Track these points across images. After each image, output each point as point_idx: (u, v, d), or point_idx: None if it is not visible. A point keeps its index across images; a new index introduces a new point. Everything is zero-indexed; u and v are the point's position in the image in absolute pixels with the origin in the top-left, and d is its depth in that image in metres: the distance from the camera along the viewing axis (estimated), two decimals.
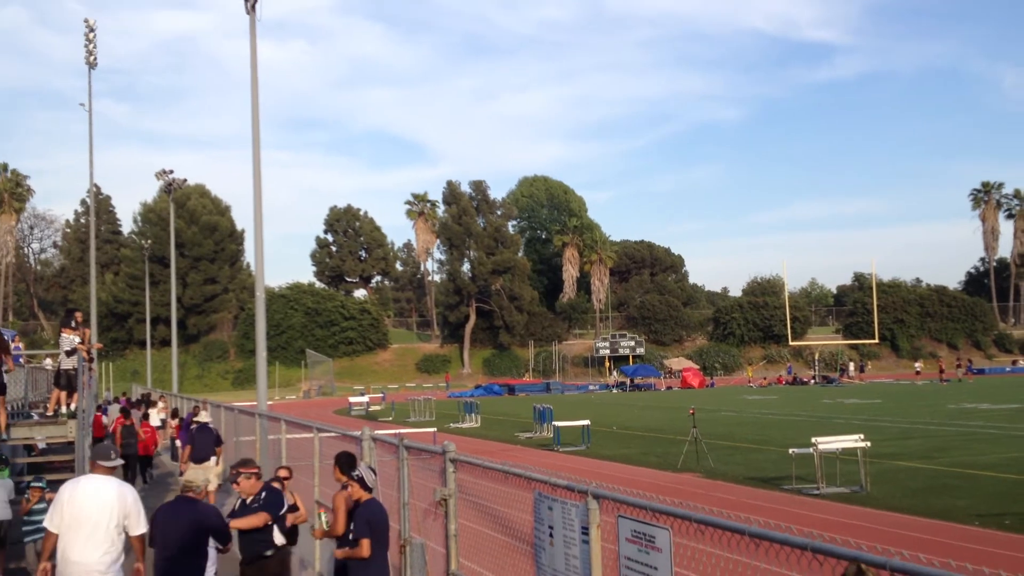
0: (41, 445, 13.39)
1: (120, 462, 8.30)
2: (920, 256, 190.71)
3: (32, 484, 12.56)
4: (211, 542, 8.19)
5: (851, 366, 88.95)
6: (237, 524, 8.86)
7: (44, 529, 8.47)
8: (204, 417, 19.48)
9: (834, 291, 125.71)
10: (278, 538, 9.01)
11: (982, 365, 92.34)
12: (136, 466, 22.59)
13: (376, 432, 10.75)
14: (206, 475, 9.30)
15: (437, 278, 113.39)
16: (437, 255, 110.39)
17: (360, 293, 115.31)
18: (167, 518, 8.02)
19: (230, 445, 20.26)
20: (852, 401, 48.21)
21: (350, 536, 8.02)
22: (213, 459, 18.23)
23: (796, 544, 4.72)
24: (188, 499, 8.17)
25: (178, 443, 25.71)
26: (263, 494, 9.18)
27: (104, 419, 25.49)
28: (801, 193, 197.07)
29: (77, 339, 14.99)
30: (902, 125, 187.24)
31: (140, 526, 7.86)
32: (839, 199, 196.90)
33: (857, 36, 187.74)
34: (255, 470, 9.36)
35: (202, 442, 18.42)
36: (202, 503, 8.32)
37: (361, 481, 8.14)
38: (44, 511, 11.39)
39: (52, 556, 7.79)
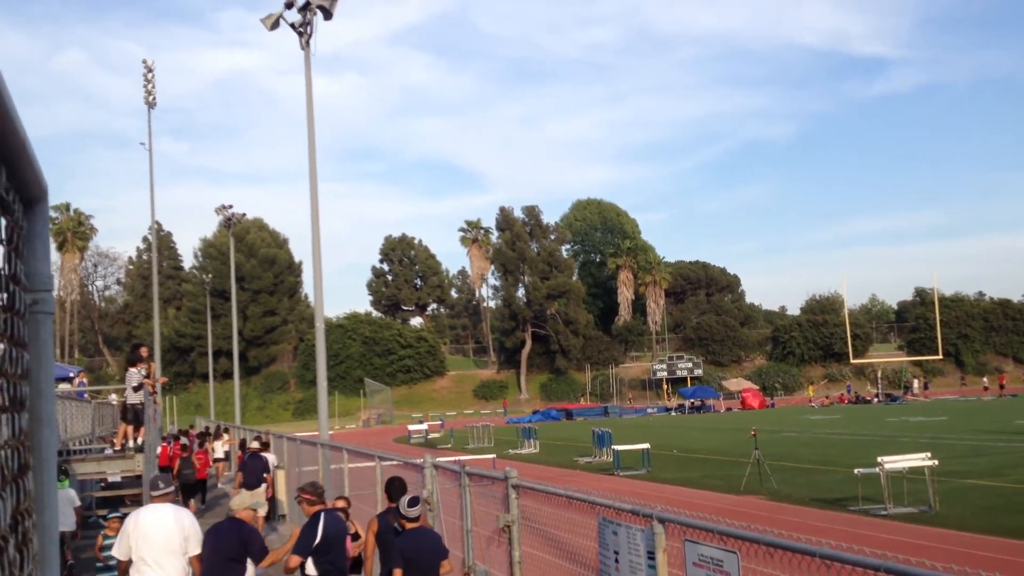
0: (114, 479, 13.68)
1: (171, 489, 9.03)
2: (982, 269, 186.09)
3: (110, 516, 12.82)
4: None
5: (915, 383, 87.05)
6: (264, 563, 8.84)
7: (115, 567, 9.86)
8: (255, 446, 20.63)
9: (895, 307, 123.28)
10: (309, 568, 8.79)
11: None
12: (193, 491, 23.99)
13: (437, 459, 10.79)
14: (254, 499, 9.54)
15: (492, 304, 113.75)
16: (492, 281, 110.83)
17: (416, 321, 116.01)
18: (215, 537, 8.63)
19: (292, 475, 20.46)
20: (917, 419, 47.14)
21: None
22: (263, 486, 18.94)
23: (869, 565, 4.64)
24: (234, 520, 8.78)
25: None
26: (307, 523, 9.08)
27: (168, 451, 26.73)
28: (858, 209, 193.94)
29: (144, 373, 15.30)
30: (959, 136, 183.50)
31: (197, 547, 8.59)
32: (897, 214, 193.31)
33: (909, 48, 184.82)
34: (308, 495, 9.37)
35: (252, 469, 19.52)
36: (247, 525, 8.71)
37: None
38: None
39: None
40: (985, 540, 14.36)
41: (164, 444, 26.28)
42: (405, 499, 8.48)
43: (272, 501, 19.92)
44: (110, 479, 14.21)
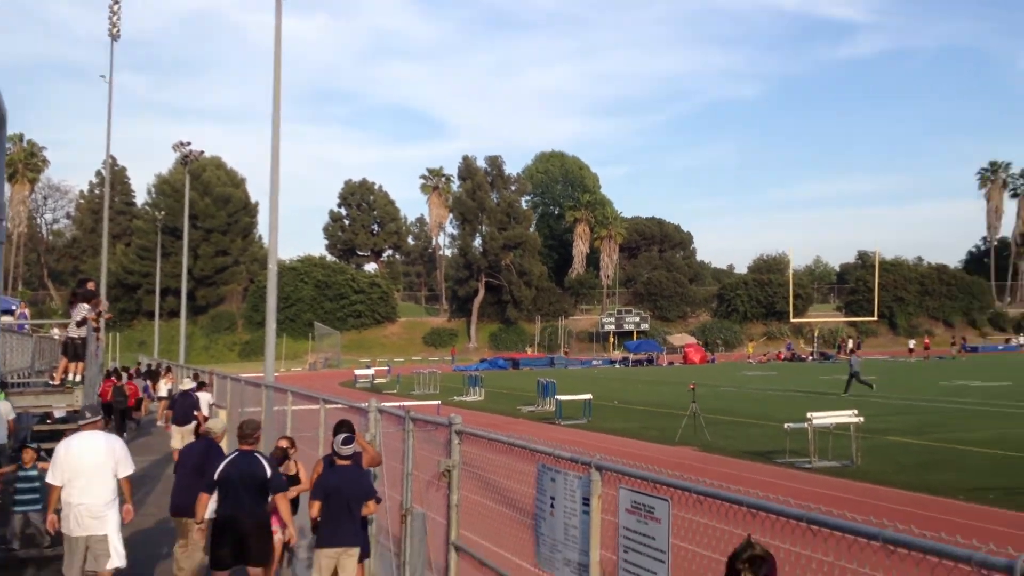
0: (59, 414, 13.56)
1: (97, 418, 9.42)
2: (924, 235, 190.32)
3: (27, 445, 12.71)
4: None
5: (850, 343, 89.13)
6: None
7: (35, 500, 11.22)
8: (187, 385, 22.03)
9: (837, 269, 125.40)
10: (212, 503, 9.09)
11: (976, 343, 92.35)
12: (123, 417, 26.70)
13: (382, 404, 10.84)
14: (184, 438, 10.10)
15: (448, 252, 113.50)
16: (449, 230, 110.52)
17: (371, 267, 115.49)
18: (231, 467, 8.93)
19: (235, 415, 20.41)
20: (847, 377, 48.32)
21: None
22: (194, 423, 19.80)
23: (792, 516, 4.79)
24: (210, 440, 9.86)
25: None
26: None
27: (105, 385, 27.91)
28: (812, 171, 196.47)
29: (99, 311, 15.10)
30: (916, 104, 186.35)
31: (127, 469, 9.13)
32: (849, 177, 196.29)
33: (879, 15, 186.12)
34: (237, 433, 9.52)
35: (182, 406, 20.81)
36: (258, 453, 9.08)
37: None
38: (34, 479, 11.60)
39: (56, 507, 9.07)
40: (904, 495, 14.87)
41: (105, 380, 26.98)
42: (340, 437, 8.65)
43: None
44: (56, 414, 14.07)
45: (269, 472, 8.85)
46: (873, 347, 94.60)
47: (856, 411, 19.13)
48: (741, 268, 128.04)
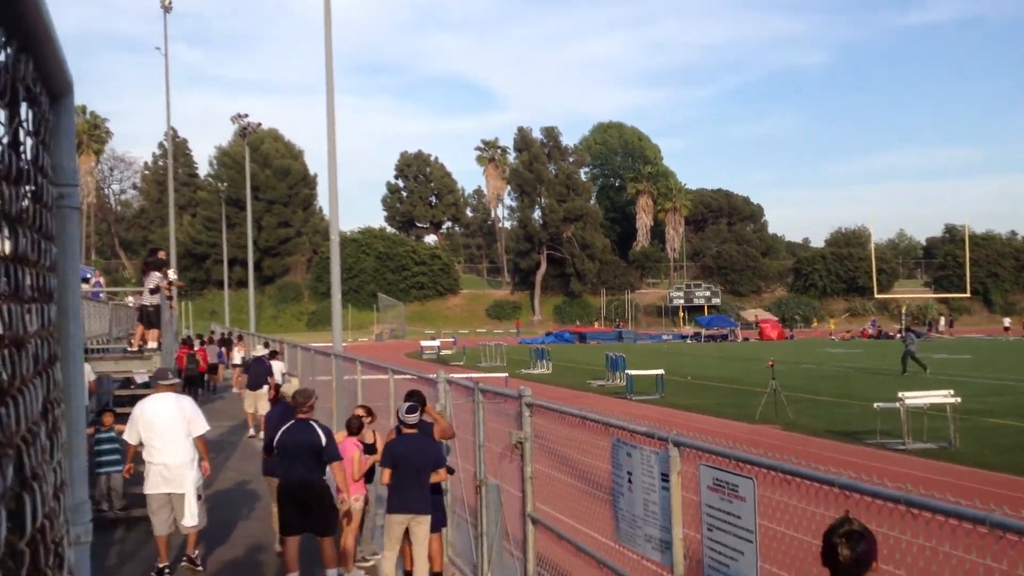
0: (141, 379, 13.90)
1: (176, 380, 10.31)
2: (1014, 207, 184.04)
3: (107, 408, 13.00)
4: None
5: (940, 320, 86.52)
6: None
7: (117, 461, 11.87)
8: (260, 351, 23.05)
9: (923, 243, 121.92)
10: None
11: None
12: (194, 383, 28.70)
13: (451, 375, 10.82)
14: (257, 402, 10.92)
15: (508, 225, 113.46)
16: (508, 202, 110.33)
17: (430, 239, 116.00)
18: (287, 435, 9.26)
19: (306, 384, 20.67)
20: (940, 356, 46.88)
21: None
22: (265, 387, 20.57)
23: (889, 497, 4.59)
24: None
25: None
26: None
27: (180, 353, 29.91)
28: (889, 142, 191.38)
29: (170, 280, 15.40)
30: (996, 71, 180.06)
31: (200, 428, 9.70)
32: (930, 148, 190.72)
33: None
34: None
35: (256, 371, 21.50)
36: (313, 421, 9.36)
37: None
38: (114, 440, 11.92)
39: (133, 460, 10.07)
40: (1003, 478, 14.36)
41: (180, 347, 29.04)
42: (404, 406, 8.73)
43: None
44: (138, 379, 14.44)
45: (324, 440, 9.01)
46: (967, 325, 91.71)
47: (952, 391, 18.41)
48: (817, 242, 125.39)
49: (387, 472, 8.47)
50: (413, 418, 8.63)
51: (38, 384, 1.49)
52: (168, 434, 9.44)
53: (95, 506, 12.52)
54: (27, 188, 1.51)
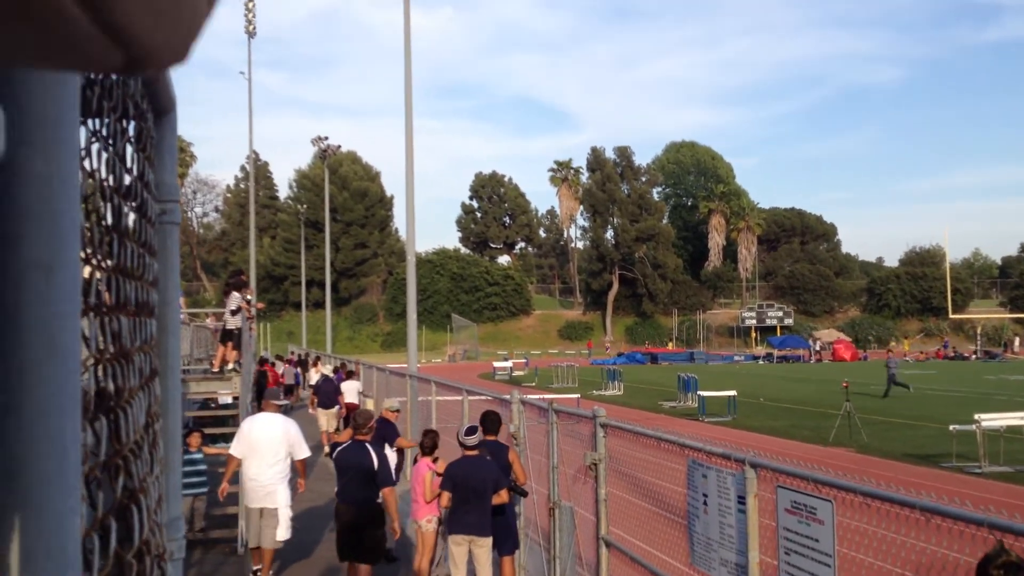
0: (224, 399, 14.24)
1: (285, 402, 10.76)
2: None
3: (193, 429, 13.28)
4: None
5: (1016, 341, 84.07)
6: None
7: (202, 483, 12.15)
8: (326, 370, 24.72)
9: (999, 262, 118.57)
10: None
11: None
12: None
13: (525, 396, 10.87)
14: (397, 403, 13.12)
15: (580, 245, 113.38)
16: (580, 222, 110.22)
17: (504, 259, 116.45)
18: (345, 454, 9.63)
19: (381, 404, 20.95)
20: (1016, 378, 45.62)
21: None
22: (336, 407, 21.56)
23: (973, 520, 4.49)
24: (381, 418, 11.90)
25: None
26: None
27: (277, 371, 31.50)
28: (964, 159, 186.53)
29: (248, 299, 15.78)
30: None
31: (302, 452, 10.21)
32: (1006, 165, 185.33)
33: None
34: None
35: (325, 391, 22.38)
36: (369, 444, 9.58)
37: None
38: (198, 462, 12.20)
39: (232, 479, 10.47)
40: None
41: (269, 366, 30.67)
42: (464, 427, 8.81)
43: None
44: (221, 400, 14.80)
45: (376, 463, 9.07)
46: None
47: None
48: (891, 261, 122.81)
49: (446, 495, 8.57)
50: (473, 440, 8.68)
51: (142, 397, 1.55)
52: (269, 452, 10.00)
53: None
54: (132, 203, 1.58)
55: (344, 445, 9.43)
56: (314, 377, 31.92)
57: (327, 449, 21.16)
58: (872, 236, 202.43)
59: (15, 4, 0.41)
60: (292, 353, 47.65)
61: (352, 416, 9.94)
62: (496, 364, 56.11)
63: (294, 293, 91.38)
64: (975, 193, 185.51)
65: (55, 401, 0.79)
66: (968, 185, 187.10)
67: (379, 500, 9.28)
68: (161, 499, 1.77)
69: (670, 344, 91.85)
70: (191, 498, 12.69)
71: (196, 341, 23.20)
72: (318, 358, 37.97)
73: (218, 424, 15.23)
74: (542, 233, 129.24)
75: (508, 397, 10.72)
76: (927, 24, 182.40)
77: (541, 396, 14.21)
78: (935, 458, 18.64)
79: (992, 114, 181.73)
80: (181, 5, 0.46)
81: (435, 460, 9.83)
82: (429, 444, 10.05)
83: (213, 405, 15.55)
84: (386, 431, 12.32)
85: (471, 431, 8.79)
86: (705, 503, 6.75)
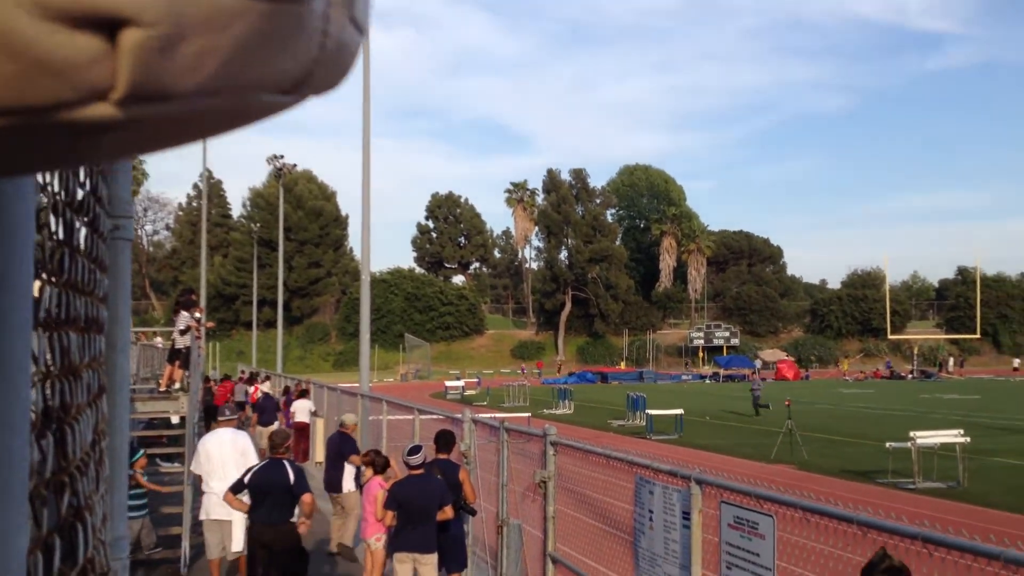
0: (175, 420, 14.04)
1: (234, 416, 11.30)
2: None
3: (136, 457, 13.06)
4: None
5: (951, 361, 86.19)
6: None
7: (145, 507, 12.24)
8: (267, 388, 25.53)
9: (936, 285, 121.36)
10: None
11: None
12: (212, 415, 32.06)
13: (477, 415, 10.92)
14: (354, 417, 13.72)
15: (534, 265, 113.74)
16: (535, 242, 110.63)
17: (458, 279, 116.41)
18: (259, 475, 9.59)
19: (332, 424, 20.81)
20: (951, 397, 46.78)
21: None
22: (276, 423, 22.13)
23: (906, 534, 4.65)
24: (342, 433, 13.02)
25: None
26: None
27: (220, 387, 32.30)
28: (904, 185, 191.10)
29: (198, 317, 15.60)
30: (1009, 117, 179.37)
31: (251, 461, 10.34)
32: (943, 191, 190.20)
33: (970, 25, 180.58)
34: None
35: (264, 407, 23.29)
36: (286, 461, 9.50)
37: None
38: (138, 492, 12.04)
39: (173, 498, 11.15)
40: (1011, 517, 14.37)
41: (219, 385, 32.16)
42: (407, 447, 8.90)
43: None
44: (173, 420, 14.61)
45: (293, 478, 9.07)
46: (976, 366, 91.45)
47: (961, 431, 18.50)
48: (834, 283, 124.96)
49: (390, 515, 8.62)
50: (415, 460, 8.74)
51: (89, 415, 1.55)
52: (222, 466, 10.42)
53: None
54: (84, 217, 1.58)
55: (259, 465, 9.38)
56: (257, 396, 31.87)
57: None
58: (816, 259, 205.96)
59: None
60: (242, 371, 47.24)
61: (270, 436, 9.93)
62: (448, 383, 55.97)
63: (245, 312, 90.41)
64: (913, 218, 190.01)
65: (3, 417, 0.79)
66: (907, 210, 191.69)
67: (295, 519, 9.27)
68: (106, 518, 1.76)
69: (622, 363, 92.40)
70: (134, 521, 12.54)
71: (144, 360, 22.89)
72: (268, 377, 37.61)
73: (170, 444, 15.08)
74: (497, 254, 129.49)
75: (460, 416, 10.77)
76: (872, 54, 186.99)
77: (492, 415, 14.27)
78: (872, 474, 19.12)
79: (930, 141, 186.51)
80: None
81: (387, 479, 9.84)
82: (381, 463, 10.06)
83: (156, 422, 15.37)
84: (344, 446, 12.77)
85: (415, 451, 8.85)
86: (651, 519, 6.86)
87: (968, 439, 18.25)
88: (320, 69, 0.54)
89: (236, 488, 9.35)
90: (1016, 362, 78.69)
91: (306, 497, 9.08)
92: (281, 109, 0.56)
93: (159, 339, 26.01)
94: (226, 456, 10.49)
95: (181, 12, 0.42)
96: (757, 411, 35.94)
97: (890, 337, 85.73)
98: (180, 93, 0.45)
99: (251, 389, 35.60)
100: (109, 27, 0.42)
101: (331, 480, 12.90)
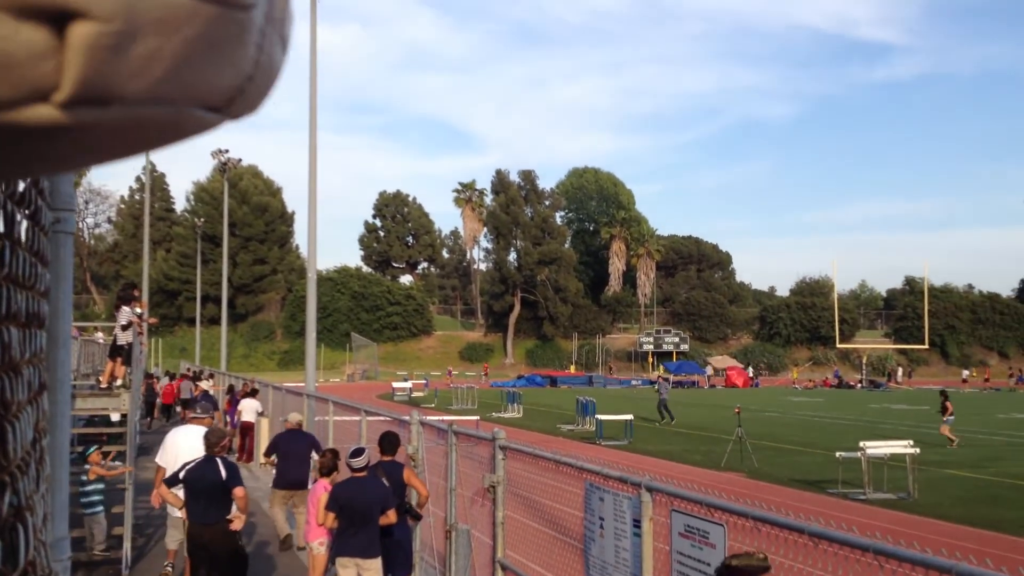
0: (115, 417, 13.67)
1: (205, 415, 11.62)
2: (973, 262, 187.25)
3: (91, 451, 12.78)
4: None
5: (899, 371, 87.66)
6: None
7: (101, 503, 12.36)
8: (206, 386, 26.28)
9: (884, 294, 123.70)
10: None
11: None
12: (152, 410, 33.71)
13: (425, 417, 10.80)
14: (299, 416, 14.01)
15: (483, 267, 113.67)
16: (484, 244, 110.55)
17: (406, 279, 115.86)
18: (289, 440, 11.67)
19: (277, 424, 20.52)
20: (900, 407, 47.56)
21: None
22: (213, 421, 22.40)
23: (857, 545, 4.64)
24: (296, 431, 13.27)
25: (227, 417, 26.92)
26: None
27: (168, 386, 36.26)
28: (853, 194, 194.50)
29: (138, 312, 15.26)
30: (958, 127, 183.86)
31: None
32: (892, 201, 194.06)
33: (916, 36, 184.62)
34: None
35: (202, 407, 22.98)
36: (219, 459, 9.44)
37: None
38: (92, 482, 11.83)
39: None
40: (960, 529, 14.52)
41: (169, 382, 36.49)
42: (351, 450, 8.81)
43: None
44: (113, 417, 14.24)
45: (225, 474, 9.03)
46: (924, 376, 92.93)
47: (911, 442, 18.72)
48: (783, 290, 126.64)
49: (331, 516, 8.49)
50: (361, 462, 8.64)
51: (30, 412, 1.48)
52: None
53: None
54: (25, 210, 1.50)
55: (193, 463, 9.28)
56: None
57: None
58: (765, 266, 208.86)
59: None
60: (188, 369, 46.61)
61: (205, 435, 9.74)
62: (395, 384, 55.62)
63: (188, 308, 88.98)
64: (862, 227, 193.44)
65: None
66: (855, 219, 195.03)
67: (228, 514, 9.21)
68: (47, 518, 1.69)
69: (572, 367, 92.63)
70: (87, 518, 12.29)
71: (84, 356, 22.33)
72: (212, 375, 37.11)
73: (112, 442, 14.71)
74: (445, 254, 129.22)
75: (407, 418, 10.64)
76: (819, 62, 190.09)
77: (440, 418, 14.14)
78: (822, 484, 19.20)
79: (878, 151, 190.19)
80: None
81: (332, 482, 9.68)
82: (328, 465, 9.89)
83: (84, 422, 14.98)
84: (301, 442, 12.95)
85: (357, 453, 8.75)
86: (601, 526, 6.80)
87: (918, 450, 18.41)
88: (251, 87, 0.54)
89: (171, 482, 9.41)
90: (965, 373, 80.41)
91: (238, 491, 9.07)
92: (209, 128, 0.55)
93: (100, 334, 25.41)
94: (195, 452, 10.37)
95: (136, 8, 0.40)
96: (662, 416, 34.83)
97: (839, 346, 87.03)
98: (125, 98, 0.43)
99: (194, 387, 35.26)
100: (58, 20, 0.40)
101: (300, 478, 12.82)
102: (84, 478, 12.19)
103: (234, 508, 9.15)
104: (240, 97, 0.53)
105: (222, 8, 0.45)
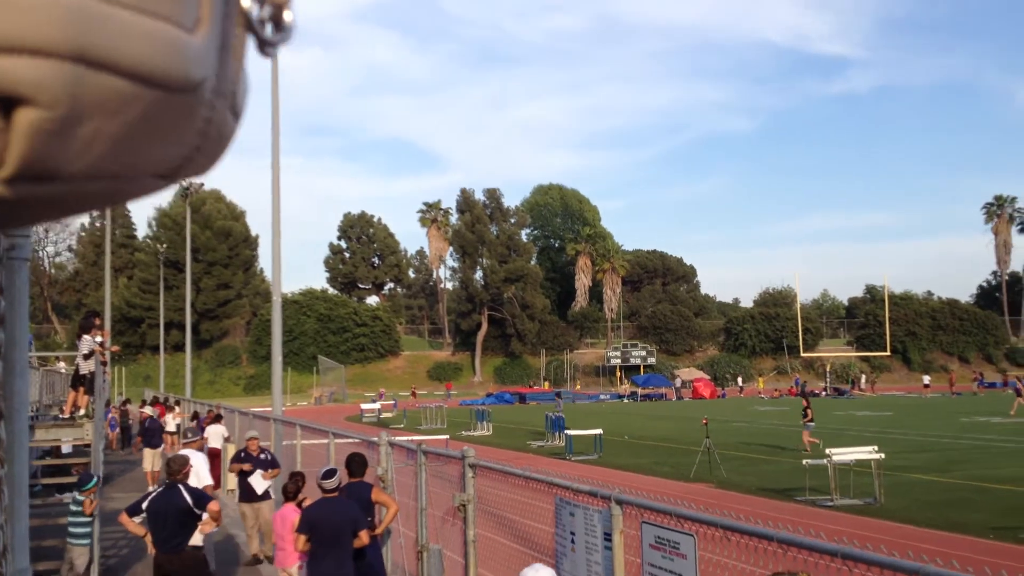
0: (67, 448, 13.46)
1: (197, 438, 12.59)
2: (932, 269, 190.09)
3: (85, 489, 12.49)
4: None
5: (863, 378, 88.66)
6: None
7: (88, 536, 11.95)
8: (147, 411, 27.09)
9: (846, 303, 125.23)
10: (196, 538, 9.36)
11: (994, 379, 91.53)
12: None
13: (393, 438, 10.75)
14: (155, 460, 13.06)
15: (449, 286, 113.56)
16: (450, 263, 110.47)
17: (372, 300, 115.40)
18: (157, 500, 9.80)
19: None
20: (864, 413, 48.10)
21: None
22: (163, 446, 23.96)
23: (825, 551, 4.69)
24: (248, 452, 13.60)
25: None
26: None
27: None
28: (813, 205, 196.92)
29: (99, 340, 15.06)
30: (915, 139, 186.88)
31: (204, 480, 11.46)
32: (851, 212, 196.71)
33: (871, 50, 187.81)
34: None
35: (151, 430, 25.08)
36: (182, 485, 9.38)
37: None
38: (87, 520, 11.64)
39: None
40: (928, 533, 14.67)
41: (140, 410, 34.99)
42: (322, 471, 8.74)
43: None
44: (64, 448, 14.01)
45: (191, 500, 9.00)
46: (887, 383, 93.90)
47: (876, 447, 18.92)
48: (747, 301, 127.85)
49: (302, 539, 8.39)
50: (332, 483, 8.59)
51: None
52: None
53: None
54: None
55: (157, 491, 9.17)
56: (172, 423, 30.73)
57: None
58: (728, 278, 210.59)
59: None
60: (156, 397, 46.31)
61: (167, 462, 9.63)
62: (364, 406, 55.33)
63: (152, 336, 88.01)
64: (823, 237, 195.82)
65: None
66: (816, 230, 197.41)
67: (200, 544, 9.12)
68: (7, 550, 1.66)
69: (546, 383, 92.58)
70: (74, 548, 12.08)
71: (46, 386, 21.98)
72: (178, 402, 36.64)
73: (64, 473, 14.48)
74: (411, 274, 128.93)
75: (376, 439, 10.59)
76: (777, 76, 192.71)
77: (409, 438, 14.09)
78: (790, 492, 19.39)
79: (837, 163, 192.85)
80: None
81: (299, 505, 9.60)
82: (293, 489, 9.81)
83: (54, 455, 14.78)
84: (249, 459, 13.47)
85: (329, 474, 8.71)
86: (572, 541, 6.81)
87: (883, 455, 18.56)
88: (199, 156, 0.54)
89: (132, 511, 9.22)
90: (927, 379, 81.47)
91: (212, 506, 9.04)
92: (156, 191, 0.56)
93: (62, 364, 25.07)
94: (198, 476, 10.89)
95: (79, 95, 0.41)
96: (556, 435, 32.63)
97: (803, 355, 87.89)
98: (67, 175, 0.44)
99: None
100: (4, 103, 0.41)
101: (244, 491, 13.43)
102: (77, 508, 11.96)
103: (205, 515, 9.05)
104: (188, 165, 0.54)
105: (166, 93, 0.45)
